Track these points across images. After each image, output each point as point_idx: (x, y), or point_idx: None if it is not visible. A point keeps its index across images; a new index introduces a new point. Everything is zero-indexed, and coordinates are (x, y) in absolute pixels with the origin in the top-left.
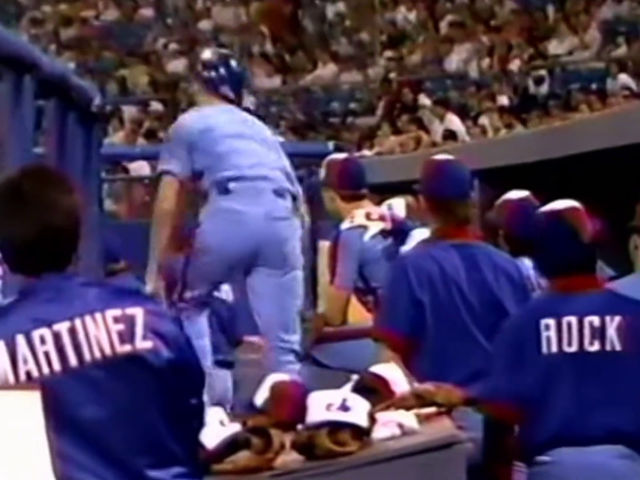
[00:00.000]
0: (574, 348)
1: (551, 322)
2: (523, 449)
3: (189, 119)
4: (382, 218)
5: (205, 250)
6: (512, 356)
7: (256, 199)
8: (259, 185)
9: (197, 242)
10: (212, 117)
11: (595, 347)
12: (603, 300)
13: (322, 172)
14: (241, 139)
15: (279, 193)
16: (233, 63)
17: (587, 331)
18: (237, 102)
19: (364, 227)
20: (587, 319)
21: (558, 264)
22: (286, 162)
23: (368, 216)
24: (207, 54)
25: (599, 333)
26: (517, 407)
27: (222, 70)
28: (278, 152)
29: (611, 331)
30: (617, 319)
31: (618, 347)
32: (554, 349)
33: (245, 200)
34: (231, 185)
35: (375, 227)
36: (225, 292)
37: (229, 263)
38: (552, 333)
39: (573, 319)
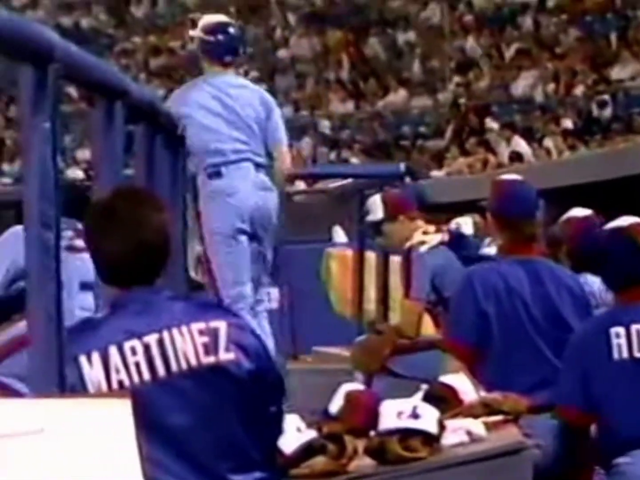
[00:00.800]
0: None
1: (621, 330)
2: (600, 453)
3: (176, 101)
4: (438, 231)
5: (211, 231)
6: (583, 364)
7: (243, 175)
8: (242, 164)
9: (202, 224)
10: (195, 104)
11: None
12: None
13: (380, 209)
14: (222, 122)
15: (258, 168)
16: (232, 30)
17: None
18: (235, 66)
19: (423, 242)
20: None
21: (624, 278)
22: (259, 132)
23: (425, 232)
24: (206, 20)
25: None
26: (590, 413)
27: (220, 37)
28: (260, 119)
29: None
30: None
31: None
32: (625, 354)
33: (234, 179)
34: (217, 169)
35: (432, 239)
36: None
37: (233, 236)
38: (623, 340)
39: None
